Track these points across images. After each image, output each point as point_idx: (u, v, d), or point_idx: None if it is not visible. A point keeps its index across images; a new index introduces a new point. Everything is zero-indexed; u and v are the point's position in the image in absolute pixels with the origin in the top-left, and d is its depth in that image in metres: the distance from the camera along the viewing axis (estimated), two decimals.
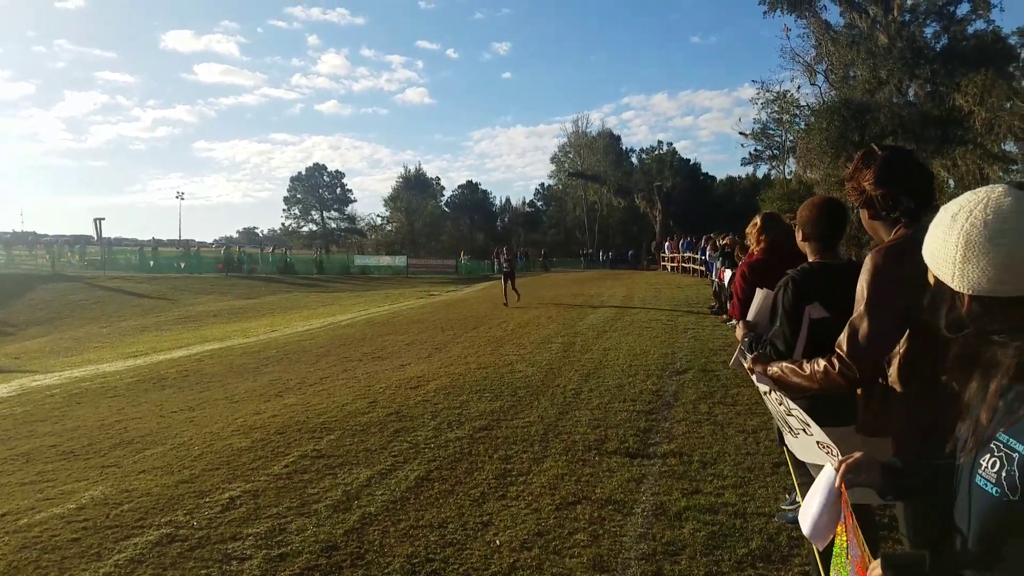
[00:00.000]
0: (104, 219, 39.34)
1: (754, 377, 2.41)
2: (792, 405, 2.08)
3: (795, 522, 3.86)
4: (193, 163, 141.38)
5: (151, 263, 40.87)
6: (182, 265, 41.11)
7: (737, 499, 4.19)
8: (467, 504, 4.20)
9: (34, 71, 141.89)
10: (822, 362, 2.11)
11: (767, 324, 2.88)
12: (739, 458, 4.95)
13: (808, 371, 2.16)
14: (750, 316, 3.02)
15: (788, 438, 2.32)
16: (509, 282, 18.00)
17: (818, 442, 1.91)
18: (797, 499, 3.96)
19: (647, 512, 4.00)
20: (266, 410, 6.90)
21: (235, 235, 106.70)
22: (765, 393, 2.30)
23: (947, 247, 1.20)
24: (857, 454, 1.52)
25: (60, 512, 4.22)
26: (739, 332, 3.05)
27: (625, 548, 3.55)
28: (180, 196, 72.98)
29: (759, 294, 3.07)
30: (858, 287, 2.08)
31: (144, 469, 5.10)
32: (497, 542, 3.65)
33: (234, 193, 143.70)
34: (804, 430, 2.05)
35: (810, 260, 2.85)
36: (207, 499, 4.35)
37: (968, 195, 1.23)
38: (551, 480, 4.55)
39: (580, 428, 5.72)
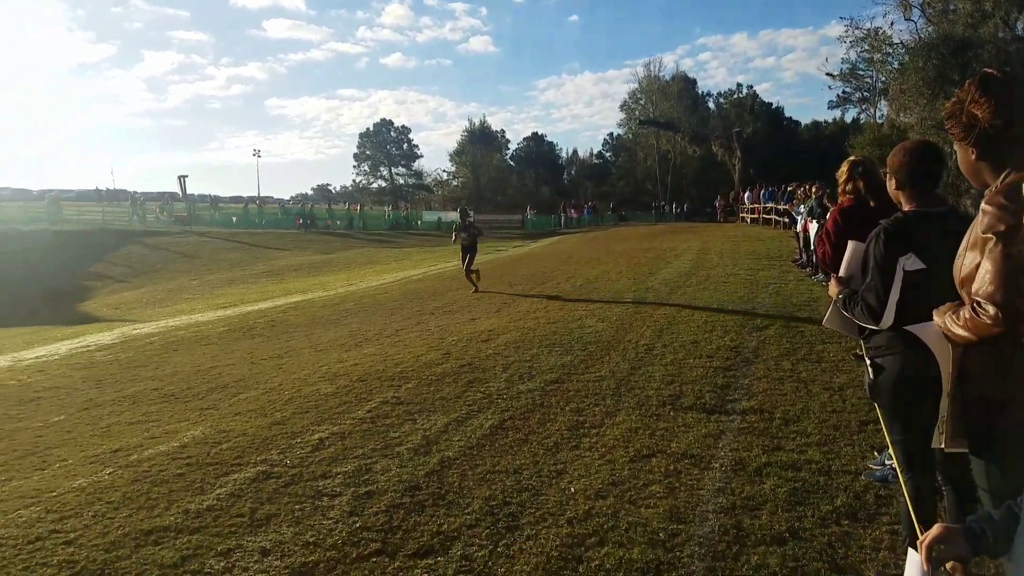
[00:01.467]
0: (187, 176, 40.79)
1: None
2: None
3: (883, 481, 3.75)
4: (267, 121, 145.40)
5: (234, 219, 42.66)
6: (262, 221, 42.72)
7: (821, 456, 4.10)
8: (541, 453, 4.28)
9: (113, 32, 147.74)
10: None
11: (860, 278, 2.75)
12: (824, 416, 4.82)
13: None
14: (843, 271, 2.88)
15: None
16: (469, 257, 12.89)
17: None
18: (887, 460, 3.84)
19: (725, 467, 3.97)
20: (348, 359, 7.19)
21: (310, 192, 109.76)
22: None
23: None
24: (936, 529, 1.37)
25: (165, 449, 4.56)
26: (832, 288, 2.92)
27: (703, 501, 3.55)
28: (257, 154, 75.70)
29: (851, 247, 2.92)
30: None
31: (239, 412, 5.43)
32: (572, 490, 3.71)
33: (307, 150, 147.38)
34: None
35: (904, 209, 2.68)
36: (298, 440, 4.61)
37: None
38: (624, 433, 4.57)
39: (653, 383, 5.69)
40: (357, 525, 3.35)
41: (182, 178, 40.70)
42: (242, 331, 9.81)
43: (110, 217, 41.22)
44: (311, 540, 3.22)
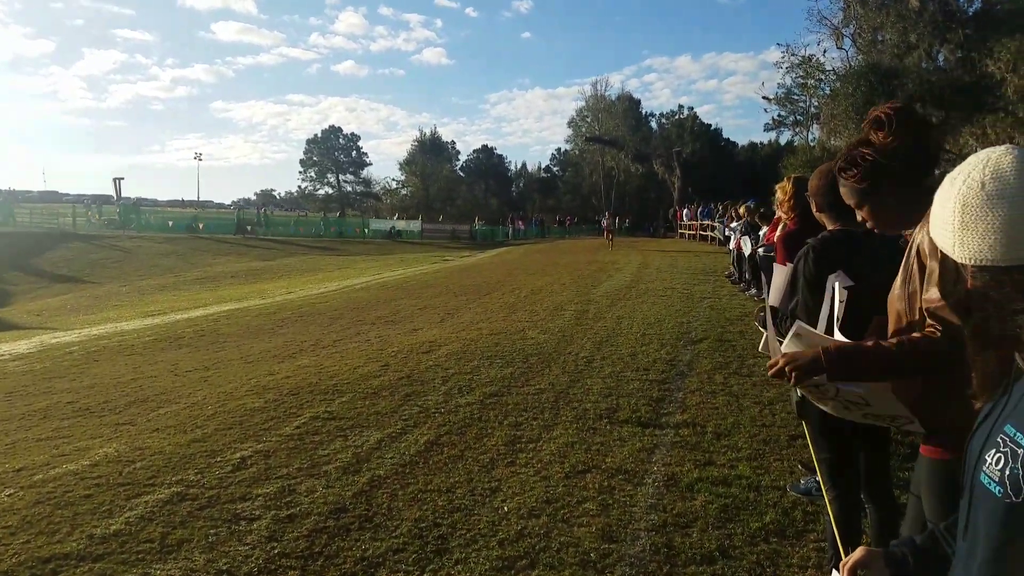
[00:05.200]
0: (123, 179, 39.33)
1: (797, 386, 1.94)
2: (851, 394, 1.86)
3: (807, 493, 3.81)
4: (211, 124, 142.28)
5: (169, 223, 41.16)
6: (201, 226, 41.37)
7: (751, 471, 4.14)
8: (476, 470, 4.18)
9: (53, 28, 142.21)
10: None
11: (785, 301, 2.77)
12: (754, 430, 4.88)
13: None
14: (772, 297, 2.91)
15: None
16: None
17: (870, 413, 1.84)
18: (816, 477, 3.89)
19: (658, 483, 3.96)
20: (280, 371, 6.93)
21: (252, 197, 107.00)
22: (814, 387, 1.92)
23: (945, 213, 1.07)
24: (858, 552, 1.35)
25: (74, 468, 4.26)
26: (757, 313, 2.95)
27: (635, 519, 3.52)
28: (198, 157, 73.32)
29: (779, 271, 2.96)
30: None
31: (158, 427, 5.13)
32: (505, 509, 3.63)
33: (252, 155, 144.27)
34: (854, 406, 1.90)
35: (829, 228, 2.73)
36: (219, 458, 4.37)
37: (971, 158, 1.10)
38: (561, 448, 4.52)
39: (592, 396, 5.67)
40: (276, 551, 3.17)
41: (117, 180, 39.23)
42: (169, 340, 9.38)
43: (37, 219, 39.15)
44: (224, 568, 3.02)
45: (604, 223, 31.96)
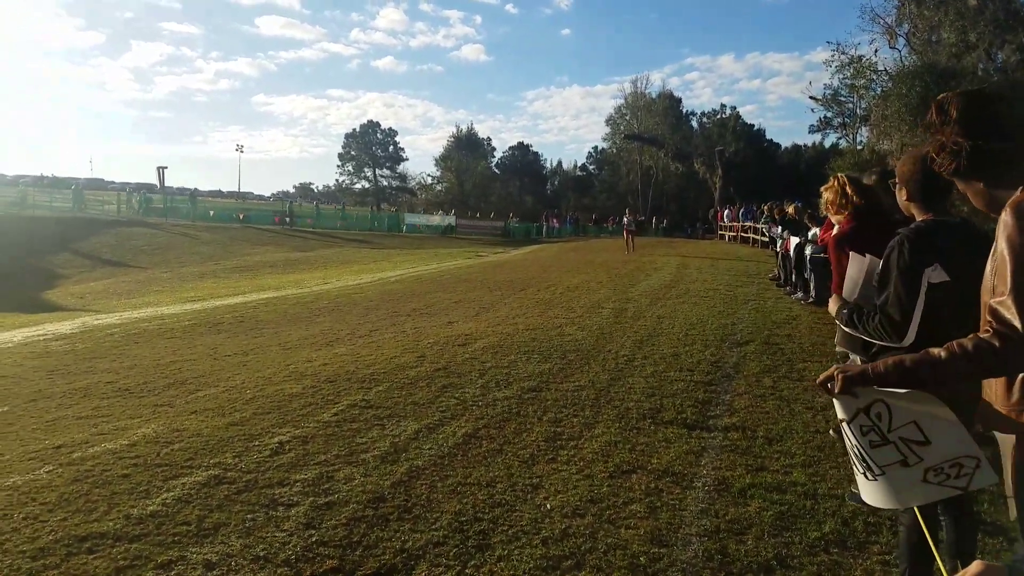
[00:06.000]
0: (167, 168, 40.29)
1: (841, 397, 1.74)
2: (901, 419, 1.66)
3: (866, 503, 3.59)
4: (252, 117, 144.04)
5: (211, 212, 41.93)
6: (241, 216, 42.08)
7: (807, 479, 3.93)
8: (516, 465, 4.05)
9: (103, 20, 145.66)
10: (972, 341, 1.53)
11: (869, 295, 2.57)
12: (807, 436, 4.66)
13: (962, 350, 1.53)
14: (846, 291, 2.72)
15: (872, 487, 1.79)
16: None
17: (931, 468, 1.62)
18: None
19: (708, 487, 3.78)
20: (317, 358, 6.89)
21: (291, 190, 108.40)
22: (849, 420, 1.75)
23: None
24: (976, 566, 1.17)
25: (112, 447, 4.24)
26: (832, 306, 2.75)
27: (685, 523, 3.35)
28: (240, 149, 74.80)
29: (855, 261, 2.76)
30: (1003, 249, 1.66)
31: (195, 410, 5.11)
32: (548, 506, 3.49)
33: (291, 148, 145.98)
34: (910, 454, 1.67)
35: (919, 219, 2.52)
36: (256, 443, 4.32)
37: None
38: (603, 447, 4.36)
39: (634, 395, 5.49)
40: (313, 539, 3.08)
41: (161, 169, 40.20)
42: (208, 325, 9.44)
43: (85, 205, 40.17)
44: (262, 554, 2.94)
45: (624, 222, 24.84)
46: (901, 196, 2.60)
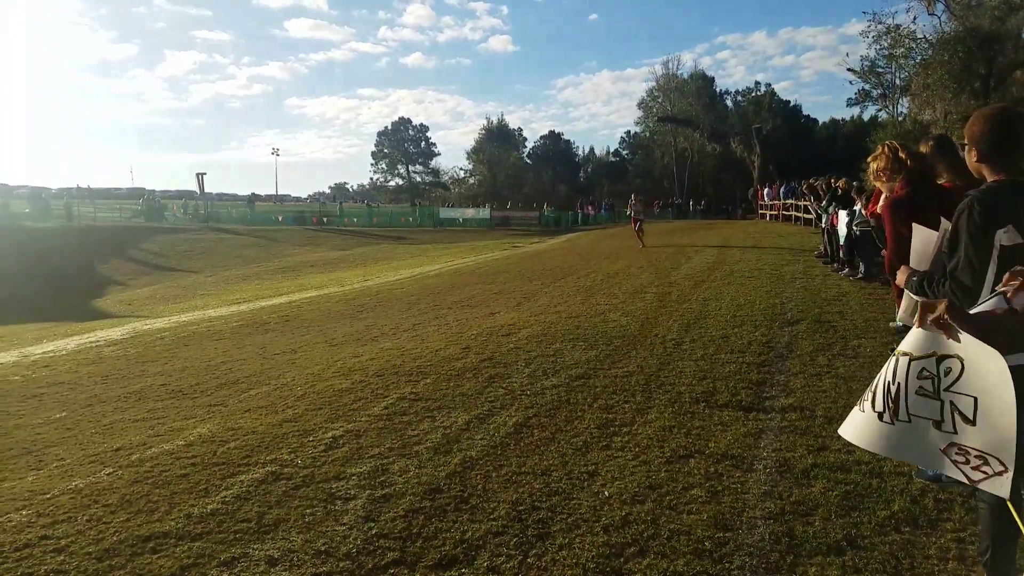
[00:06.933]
0: (206, 174, 41.10)
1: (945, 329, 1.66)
2: (967, 387, 1.59)
3: (936, 480, 3.44)
4: (286, 120, 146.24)
5: (250, 216, 42.81)
6: (280, 218, 42.85)
7: (871, 457, 3.77)
8: (570, 453, 3.99)
9: (136, 32, 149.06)
10: None
11: (939, 263, 2.44)
12: None
13: None
14: (914, 261, 2.59)
15: (875, 426, 1.73)
16: None
17: (958, 446, 1.54)
18: None
19: (770, 469, 3.67)
20: (363, 353, 6.93)
21: (327, 190, 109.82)
22: (915, 357, 1.68)
23: None
24: None
25: (170, 448, 4.31)
26: (901, 278, 2.62)
27: (749, 506, 3.25)
28: (275, 152, 75.71)
29: (919, 232, 2.62)
30: None
31: (249, 408, 5.18)
32: (606, 493, 3.42)
33: (325, 149, 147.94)
34: (949, 421, 1.60)
35: (991, 180, 2.37)
36: (310, 438, 4.35)
37: None
38: (658, 432, 4.26)
39: (685, 379, 5.38)
40: (373, 532, 3.07)
41: (200, 176, 40.94)
42: (255, 326, 9.60)
43: (127, 214, 41.43)
44: (323, 548, 2.94)
45: (630, 211, 21.01)
46: (971, 158, 2.45)
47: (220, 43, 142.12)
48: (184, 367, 7.01)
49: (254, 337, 8.68)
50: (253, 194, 60.02)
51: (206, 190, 42.87)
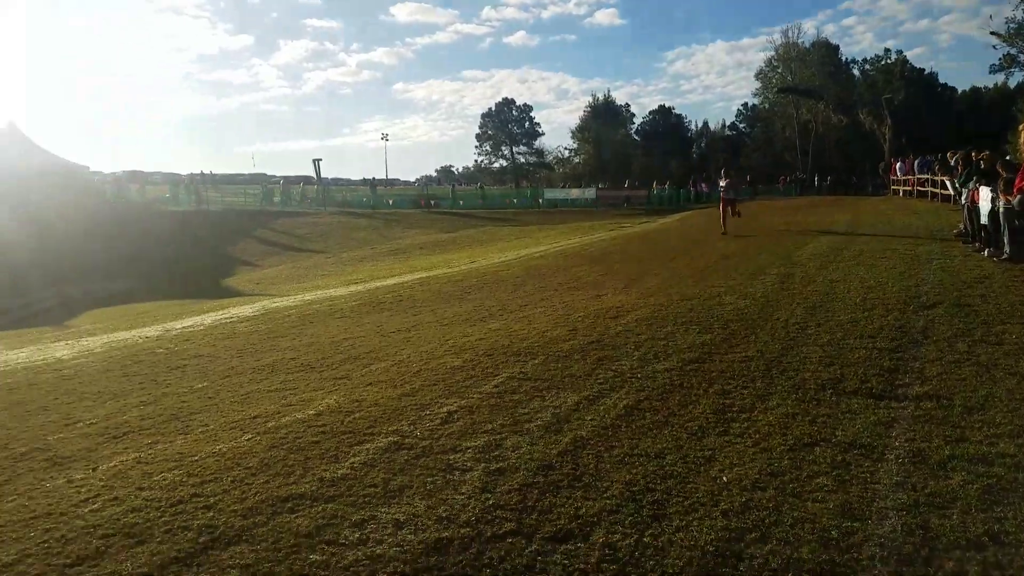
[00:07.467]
0: (321, 160, 43.31)
1: None
2: None
3: None
4: (394, 105, 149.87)
5: (363, 199, 44.75)
6: (391, 202, 44.51)
7: (1016, 450, 3.52)
8: (684, 437, 3.93)
9: (251, 22, 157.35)
10: None
11: None
12: (1013, 404, 4.15)
13: None
14: None
15: None
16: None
17: None
18: None
19: (903, 459, 3.46)
20: (473, 333, 7.12)
21: (433, 173, 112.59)
22: None
23: None
24: None
25: (301, 417, 4.64)
26: None
27: (879, 496, 3.09)
28: (384, 138, 78.46)
29: None
30: None
31: (371, 382, 5.47)
32: (724, 479, 3.35)
33: (431, 132, 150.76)
34: None
35: None
36: (427, 412, 4.54)
37: None
38: (780, 419, 4.11)
39: (809, 365, 5.13)
40: (490, 502, 3.18)
41: (316, 161, 43.06)
42: (372, 305, 10.06)
43: (251, 199, 44.42)
44: (444, 515, 3.08)
45: (720, 190, 17.26)
46: None
47: (330, 30, 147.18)
48: (311, 343, 7.47)
49: (372, 316, 9.10)
50: (373, 179, 63.03)
51: (322, 175, 45.05)
